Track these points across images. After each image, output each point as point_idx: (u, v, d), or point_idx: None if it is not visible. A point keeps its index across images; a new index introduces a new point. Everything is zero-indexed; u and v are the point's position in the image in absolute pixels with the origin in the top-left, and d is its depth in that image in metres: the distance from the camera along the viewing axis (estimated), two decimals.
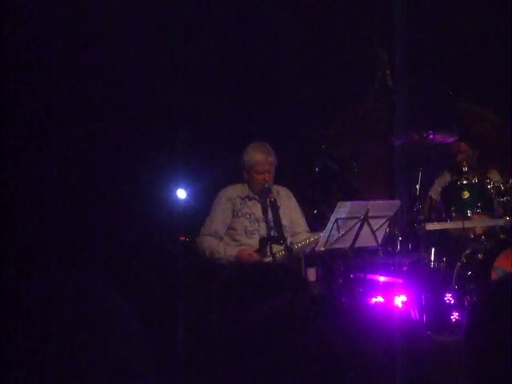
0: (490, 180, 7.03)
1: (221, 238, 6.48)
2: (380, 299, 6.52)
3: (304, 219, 6.64)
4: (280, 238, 6.29)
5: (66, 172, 6.82)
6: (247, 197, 6.53)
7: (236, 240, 6.47)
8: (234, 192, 6.55)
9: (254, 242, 6.40)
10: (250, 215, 6.49)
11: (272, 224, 6.37)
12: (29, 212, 6.67)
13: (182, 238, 6.64)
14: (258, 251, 6.34)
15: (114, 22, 6.99)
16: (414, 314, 6.56)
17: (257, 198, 6.51)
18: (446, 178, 7.55)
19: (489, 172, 7.47)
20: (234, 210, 6.49)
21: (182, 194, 6.60)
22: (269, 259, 6.23)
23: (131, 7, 7.07)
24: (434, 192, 7.40)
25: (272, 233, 6.36)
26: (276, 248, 6.27)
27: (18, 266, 6.26)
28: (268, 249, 6.28)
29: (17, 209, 6.60)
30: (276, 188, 6.53)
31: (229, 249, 6.37)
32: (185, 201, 6.58)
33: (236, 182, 6.62)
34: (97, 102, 7.01)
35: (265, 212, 6.43)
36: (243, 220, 6.47)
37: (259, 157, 6.45)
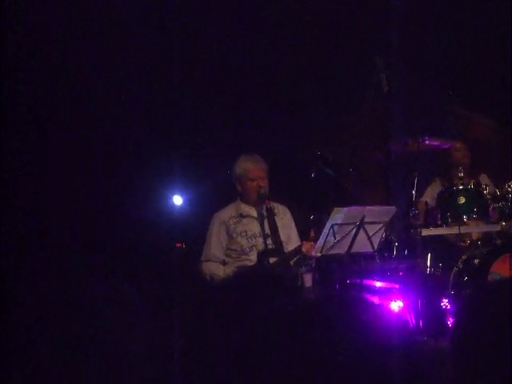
0: (482, 184, 7.06)
1: (222, 261, 6.51)
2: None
3: (298, 237, 6.66)
4: (278, 250, 6.32)
5: (63, 178, 6.82)
6: (241, 215, 6.55)
7: (234, 258, 6.49)
8: (226, 214, 6.59)
9: (253, 257, 6.42)
10: (245, 232, 6.52)
11: (269, 233, 6.39)
12: (27, 216, 6.67)
13: (178, 245, 6.65)
14: (255, 265, 6.35)
15: (115, 25, 6.99)
16: (411, 319, 6.56)
17: (251, 213, 6.53)
18: (437, 184, 7.56)
19: (479, 176, 7.50)
20: (228, 232, 6.52)
21: (178, 200, 6.61)
22: (266, 270, 6.25)
23: (132, 11, 7.07)
24: (427, 199, 7.38)
25: (268, 242, 6.38)
26: (273, 259, 6.31)
27: (18, 270, 6.28)
28: (266, 262, 6.31)
29: (15, 219, 6.61)
30: (273, 204, 6.54)
31: (228, 268, 6.40)
32: (181, 207, 6.58)
33: (226, 202, 6.65)
34: (95, 110, 7.01)
35: (262, 222, 6.46)
36: (239, 239, 6.50)
37: (249, 164, 6.51)
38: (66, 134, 6.92)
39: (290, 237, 6.61)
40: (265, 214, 6.47)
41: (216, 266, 6.47)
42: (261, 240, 6.48)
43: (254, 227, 6.52)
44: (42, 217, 6.73)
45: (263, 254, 6.38)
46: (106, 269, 6.53)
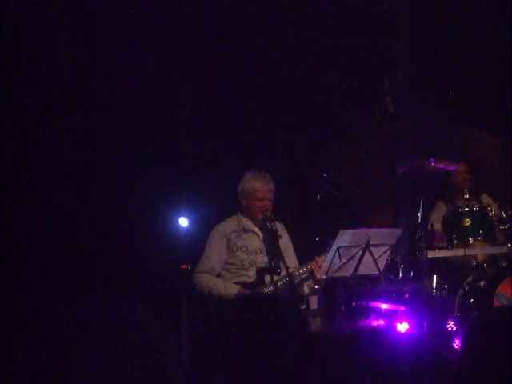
0: (484, 204, 7.07)
1: (217, 275, 6.49)
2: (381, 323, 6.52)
3: (295, 255, 6.66)
4: (278, 269, 6.32)
5: (68, 201, 6.84)
6: (242, 229, 6.54)
7: (233, 273, 6.48)
8: (227, 227, 6.56)
9: (252, 273, 6.42)
10: (246, 247, 6.50)
11: (271, 254, 6.38)
12: (29, 234, 6.69)
13: (184, 267, 6.64)
14: (255, 282, 6.36)
15: (117, 29, 7.01)
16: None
17: (252, 229, 6.54)
18: (441, 208, 7.58)
19: (480, 196, 7.52)
20: (229, 246, 6.50)
21: (184, 222, 6.62)
22: (270, 289, 6.25)
23: (133, 13, 7.08)
24: (433, 223, 7.38)
25: (269, 259, 6.39)
26: (276, 277, 6.29)
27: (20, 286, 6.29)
28: (267, 279, 6.31)
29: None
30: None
31: (228, 285, 6.37)
32: (187, 229, 6.59)
33: (228, 216, 6.64)
34: (98, 130, 7.03)
35: (265, 242, 6.46)
36: (239, 254, 6.48)
37: (259, 184, 6.49)
38: (69, 154, 6.93)
39: (287, 255, 6.61)
40: (267, 231, 6.46)
41: (215, 279, 6.42)
42: (261, 256, 6.48)
43: (255, 243, 6.52)
44: (45, 239, 6.73)
45: (262, 271, 6.38)
46: (111, 290, 6.54)
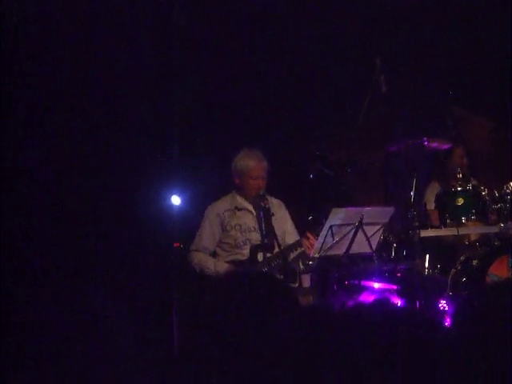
0: (484, 187, 7.06)
1: (212, 253, 6.49)
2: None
3: (296, 231, 6.65)
4: (271, 246, 6.31)
5: (59, 177, 6.81)
6: (236, 208, 6.54)
7: (227, 251, 6.48)
8: (221, 206, 6.57)
9: (246, 251, 6.42)
10: (240, 226, 6.51)
11: (265, 232, 6.38)
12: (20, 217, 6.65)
13: (176, 245, 6.63)
14: (248, 260, 6.36)
15: (115, 26, 6.98)
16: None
17: (246, 207, 6.53)
18: (435, 187, 7.56)
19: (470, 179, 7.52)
20: (222, 225, 6.52)
21: (176, 200, 6.59)
22: (265, 268, 6.26)
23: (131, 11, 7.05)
24: (426, 202, 7.37)
25: (266, 241, 6.38)
26: (269, 255, 6.29)
27: (14, 275, 6.27)
28: (260, 257, 6.31)
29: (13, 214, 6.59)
30: (269, 199, 6.54)
31: (219, 263, 6.38)
32: (179, 207, 6.57)
33: (222, 195, 6.64)
34: (92, 109, 7.00)
35: (259, 219, 6.45)
36: (233, 233, 6.50)
37: (253, 162, 6.49)
38: (63, 133, 6.90)
39: (285, 231, 6.60)
40: (261, 209, 6.46)
41: (206, 257, 6.46)
42: (255, 234, 6.49)
43: (249, 221, 6.53)
44: (37, 217, 6.71)
45: (256, 248, 6.38)
46: (102, 269, 6.53)
